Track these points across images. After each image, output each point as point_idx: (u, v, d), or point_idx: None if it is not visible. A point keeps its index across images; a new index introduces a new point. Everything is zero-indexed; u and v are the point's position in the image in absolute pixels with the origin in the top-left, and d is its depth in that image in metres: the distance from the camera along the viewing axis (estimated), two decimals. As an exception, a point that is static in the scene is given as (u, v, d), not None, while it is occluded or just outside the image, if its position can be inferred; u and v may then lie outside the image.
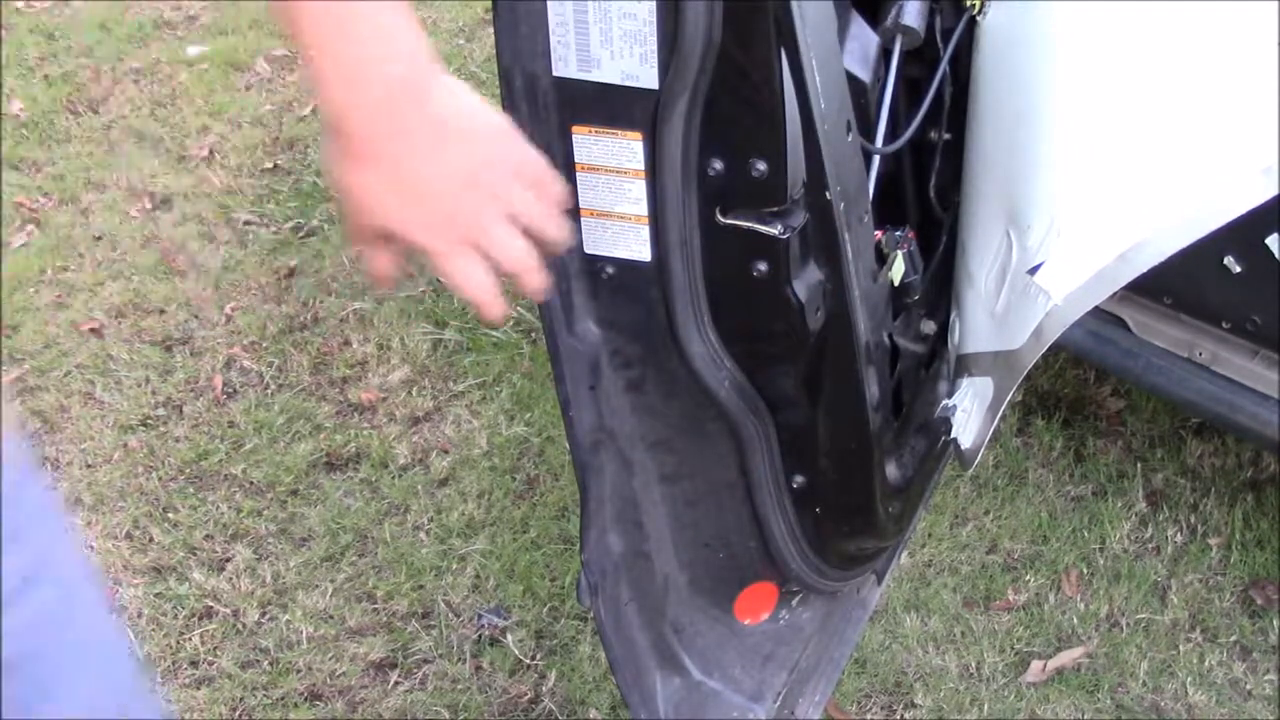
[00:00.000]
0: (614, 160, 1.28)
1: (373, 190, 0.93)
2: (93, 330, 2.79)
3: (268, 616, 2.19)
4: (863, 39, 1.51)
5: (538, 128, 1.28)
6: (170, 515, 2.37)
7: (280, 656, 2.12)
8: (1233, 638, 2.14)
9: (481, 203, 0.95)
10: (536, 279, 1.01)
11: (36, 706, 0.98)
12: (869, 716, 2.04)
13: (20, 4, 3.98)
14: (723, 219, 1.29)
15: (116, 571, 2.27)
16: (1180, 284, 1.97)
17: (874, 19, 1.54)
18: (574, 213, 1.34)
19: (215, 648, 2.14)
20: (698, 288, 1.36)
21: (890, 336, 1.56)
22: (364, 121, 0.89)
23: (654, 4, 1.17)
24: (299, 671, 2.10)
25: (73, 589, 1.02)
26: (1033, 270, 1.49)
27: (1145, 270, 1.41)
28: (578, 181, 1.31)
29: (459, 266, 0.97)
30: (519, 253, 0.98)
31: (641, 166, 1.28)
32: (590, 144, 1.28)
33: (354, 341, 2.72)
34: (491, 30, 1.30)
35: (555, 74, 1.24)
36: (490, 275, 0.98)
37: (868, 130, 1.52)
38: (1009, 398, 1.59)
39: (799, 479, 1.52)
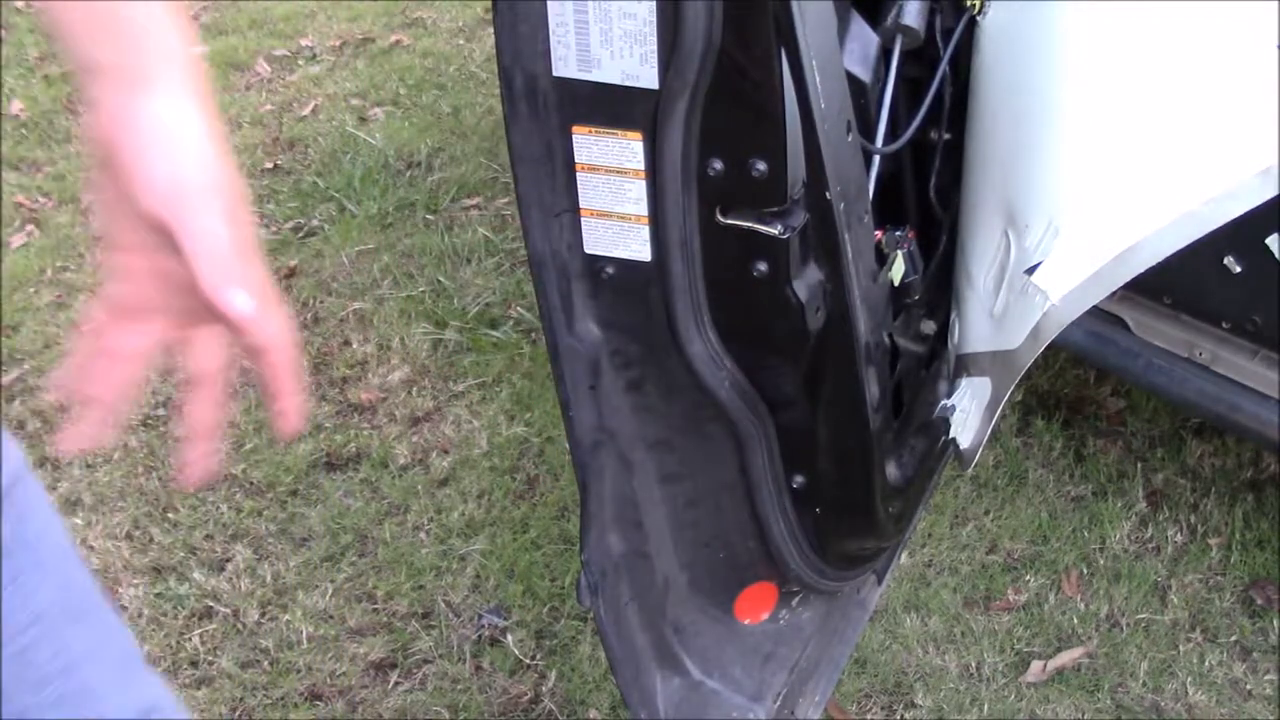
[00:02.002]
0: (614, 160, 1.28)
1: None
2: (93, 330, 2.78)
3: (268, 616, 2.19)
4: (863, 39, 1.51)
5: (538, 128, 1.28)
6: (170, 515, 2.37)
7: (280, 656, 2.12)
8: (1233, 638, 2.14)
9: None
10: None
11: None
12: (869, 716, 2.04)
13: (20, 4, 3.99)
14: (723, 219, 1.29)
15: (116, 571, 2.27)
16: (1180, 284, 1.97)
17: (874, 19, 1.54)
18: (574, 213, 1.34)
19: (215, 648, 2.14)
20: (698, 288, 1.36)
21: (890, 336, 1.56)
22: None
23: (654, 4, 1.17)
24: (299, 671, 2.10)
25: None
26: (1030, 270, 1.49)
27: (1142, 271, 1.41)
28: (578, 181, 1.31)
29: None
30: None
31: (642, 166, 1.28)
32: (590, 144, 1.28)
33: (354, 341, 2.72)
34: (491, 30, 1.30)
35: (555, 74, 1.24)
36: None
37: (868, 130, 1.52)
38: (1007, 397, 1.59)
39: (799, 479, 1.52)
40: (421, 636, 2.14)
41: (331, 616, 2.18)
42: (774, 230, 1.29)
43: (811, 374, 1.43)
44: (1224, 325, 1.98)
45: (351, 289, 2.86)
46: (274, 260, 2.93)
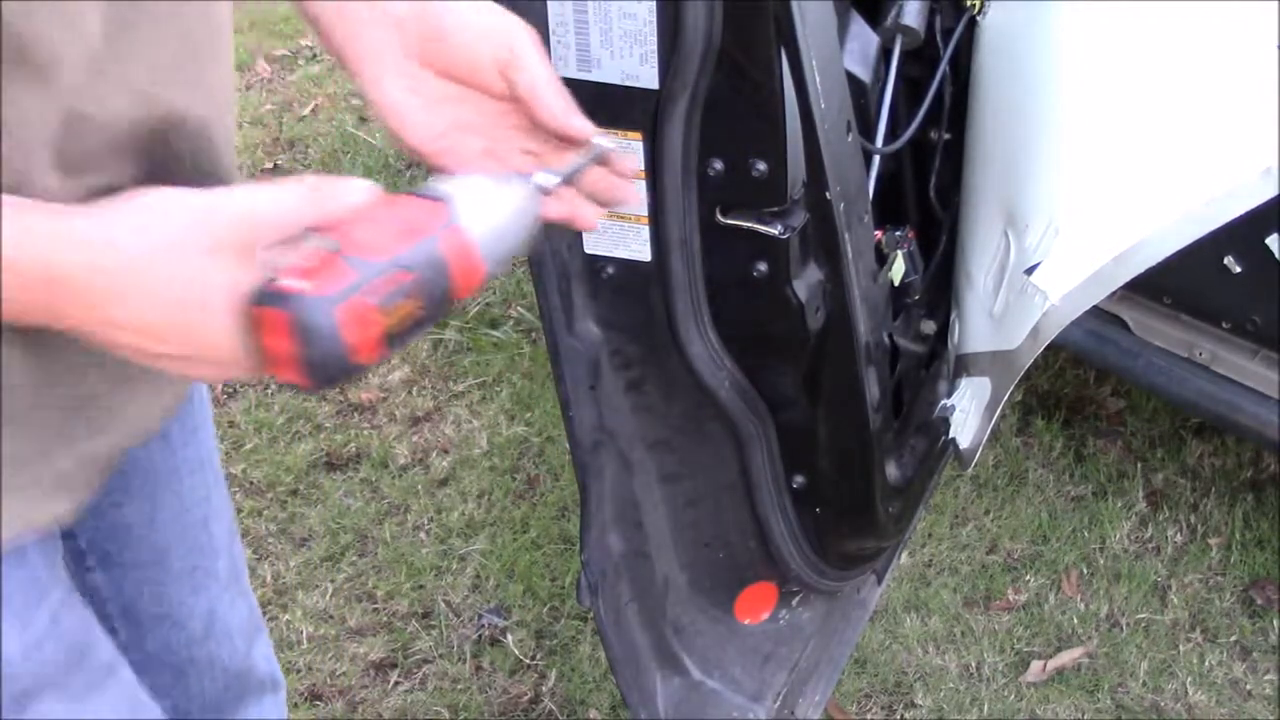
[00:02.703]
0: (614, 160, 1.28)
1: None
2: (93, 330, 2.79)
3: (268, 616, 2.19)
4: (863, 39, 1.51)
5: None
6: (170, 515, 2.37)
7: (280, 656, 2.11)
8: (1233, 638, 2.14)
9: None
10: None
11: None
12: (869, 716, 2.04)
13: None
14: (723, 219, 1.29)
15: (117, 571, 2.27)
16: (1180, 284, 1.97)
17: (874, 19, 1.54)
18: None
19: (215, 648, 2.14)
20: (698, 288, 1.36)
21: (890, 336, 1.56)
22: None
23: (654, 4, 1.17)
24: (299, 671, 2.10)
25: None
26: (1030, 270, 1.49)
27: (1141, 271, 1.41)
28: None
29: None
30: None
31: (642, 166, 1.28)
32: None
33: (354, 341, 2.72)
34: (491, 30, 1.30)
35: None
36: None
37: (868, 130, 1.52)
38: (1006, 397, 1.59)
39: (799, 479, 1.52)
40: (421, 636, 2.14)
41: (331, 616, 2.18)
42: (774, 230, 1.29)
43: (811, 374, 1.43)
44: (1224, 325, 1.98)
45: (351, 289, 2.85)
46: (274, 260, 2.93)
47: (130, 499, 1.12)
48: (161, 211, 0.74)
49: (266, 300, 0.72)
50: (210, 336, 0.74)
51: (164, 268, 0.73)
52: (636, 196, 0.99)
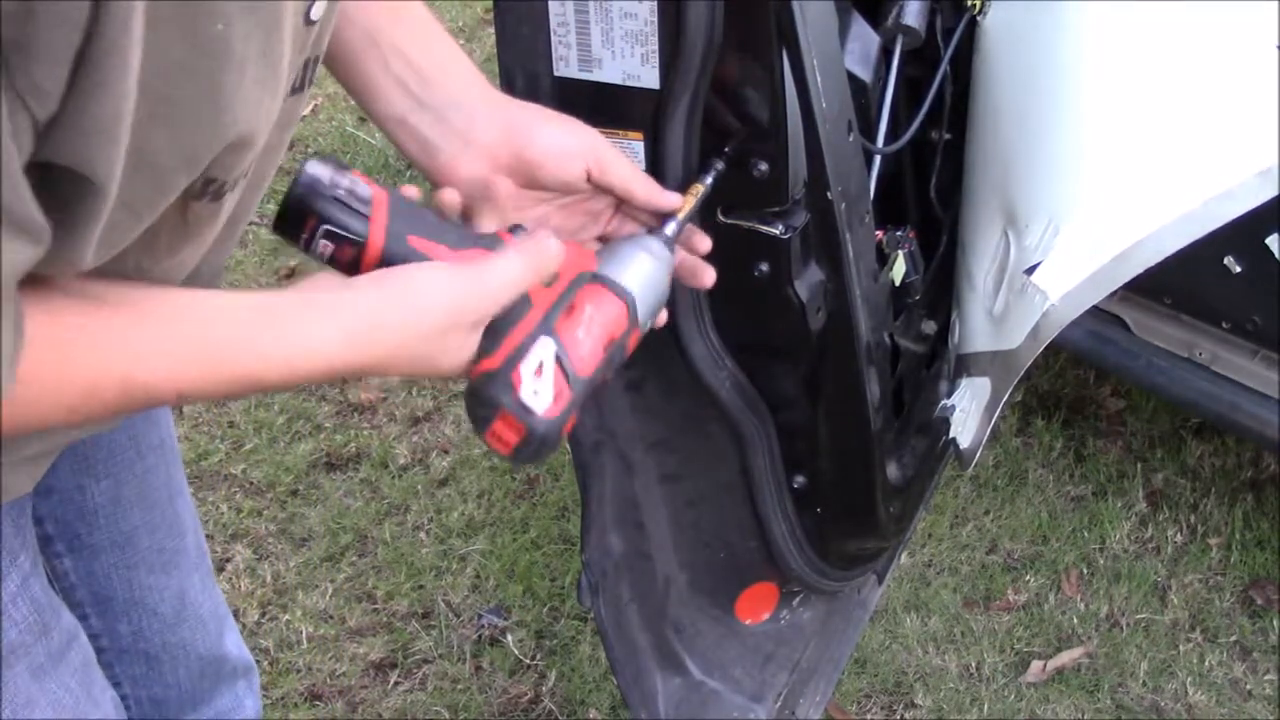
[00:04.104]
0: (616, 160, 1.28)
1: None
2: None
3: (268, 616, 2.19)
4: (864, 39, 1.51)
5: None
6: (170, 515, 2.37)
7: (280, 656, 2.12)
8: (1233, 638, 2.14)
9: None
10: None
11: None
12: (869, 716, 2.04)
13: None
14: (724, 219, 1.29)
15: (116, 571, 2.27)
16: (1180, 284, 1.97)
17: (875, 19, 1.54)
18: None
19: (215, 648, 2.14)
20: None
21: (891, 336, 1.56)
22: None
23: (655, 4, 1.17)
24: (299, 671, 2.10)
25: None
26: (1030, 270, 1.49)
27: (1141, 271, 1.41)
28: None
29: None
30: None
31: (643, 167, 1.27)
32: (592, 144, 1.28)
33: (354, 341, 2.71)
34: (492, 30, 1.30)
35: (556, 74, 1.24)
36: None
37: (868, 130, 1.52)
38: (1006, 397, 1.59)
39: (800, 479, 1.52)
40: (421, 636, 2.14)
41: (331, 616, 2.18)
42: (775, 230, 1.28)
43: (812, 374, 1.42)
44: (1224, 325, 1.98)
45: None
46: (274, 260, 2.93)
47: (94, 480, 1.16)
48: (426, 296, 0.88)
49: (515, 410, 0.92)
50: (430, 375, 0.91)
51: (419, 347, 0.87)
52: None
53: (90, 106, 0.63)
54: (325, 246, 0.91)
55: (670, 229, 1.08)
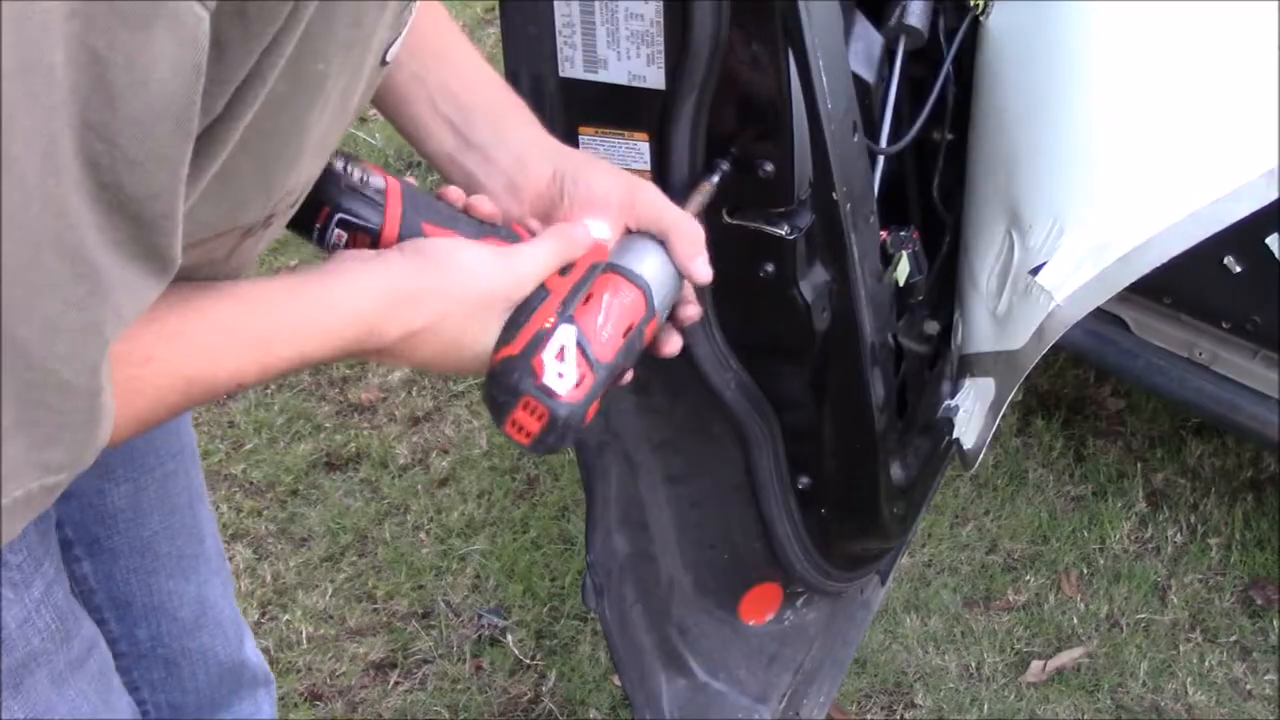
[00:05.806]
0: (621, 161, 1.28)
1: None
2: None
3: (268, 616, 2.18)
4: (867, 39, 1.51)
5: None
6: (169, 515, 2.37)
7: (280, 656, 2.11)
8: (1233, 638, 2.14)
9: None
10: None
11: None
12: (869, 716, 2.04)
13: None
14: (729, 219, 1.29)
15: (116, 572, 2.26)
16: (1180, 284, 1.97)
17: (878, 19, 1.54)
18: None
19: (215, 648, 2.14)
20: (704, 288, 1.35)
21: (895, 337, 1.56)
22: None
23: (661, 4, 1.17)
24: (299, 671, 2.10)
25: None
26: (1034, 271, 1.49)
27: (1147, 272, 1.41)
28: None
29: None
30: None
31: (648, 167, 1.27)
32: (597, 145, 1.28)
33: (353, 341, 2.71)
34: (493, 30, 1.30)
35: (562, 75, 1.24)
36: None
37: (871, 131, 1.52)
38: (1010, 398, 1.59)
39: (804, 480, 1.52)
40: (421, 636, 2.14)
41: (331, 616, 2.18)
42: (781, 231, 1.28)
43: (817, 375, 1.42)
44: (1224, 325, 1.98)
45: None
46: (274, 260, 2.93)
47: (114, 484, 1.15)
48: (468, 271, 0.88)
49: (538, 394, 0.91)
50: (453, 361, 0.91)
51: (457, 321, 0.87)
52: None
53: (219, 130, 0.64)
54: (339, 236, 0.90)
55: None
